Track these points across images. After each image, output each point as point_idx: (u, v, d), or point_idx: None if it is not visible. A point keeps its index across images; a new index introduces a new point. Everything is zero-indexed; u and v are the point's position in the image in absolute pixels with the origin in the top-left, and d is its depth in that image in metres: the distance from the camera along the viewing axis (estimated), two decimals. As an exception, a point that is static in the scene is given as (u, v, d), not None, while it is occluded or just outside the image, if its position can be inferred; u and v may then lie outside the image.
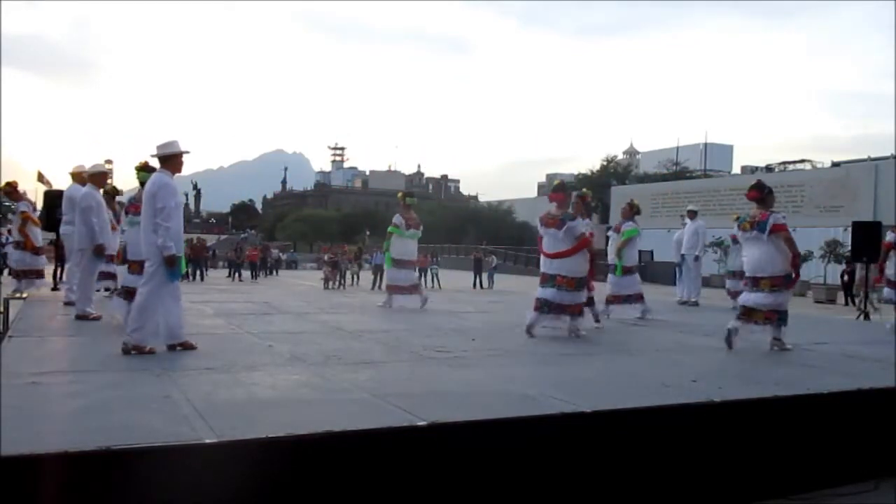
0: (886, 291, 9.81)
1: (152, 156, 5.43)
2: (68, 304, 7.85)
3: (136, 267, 6.87)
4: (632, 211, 9.27)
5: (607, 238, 9.81)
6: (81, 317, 7.00)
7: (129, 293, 6.91)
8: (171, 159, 5.37)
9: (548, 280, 6.90)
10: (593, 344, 6.65)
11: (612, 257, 9.24)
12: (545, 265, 6.99)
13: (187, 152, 5.44)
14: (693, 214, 12.59)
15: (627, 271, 9.06)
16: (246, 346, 5.56)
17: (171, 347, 5.30)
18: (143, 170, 7.14)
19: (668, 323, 8.65)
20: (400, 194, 10.55)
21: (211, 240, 45.63)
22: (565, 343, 6.65)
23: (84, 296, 7.14)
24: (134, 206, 7.07)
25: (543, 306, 6.86)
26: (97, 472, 2.65)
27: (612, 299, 9.01)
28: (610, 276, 9.14)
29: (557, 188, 7.31)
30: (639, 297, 9.09)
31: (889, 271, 9.62)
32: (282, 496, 2.90)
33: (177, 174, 5.40)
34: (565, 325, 6.96)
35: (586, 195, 7.68)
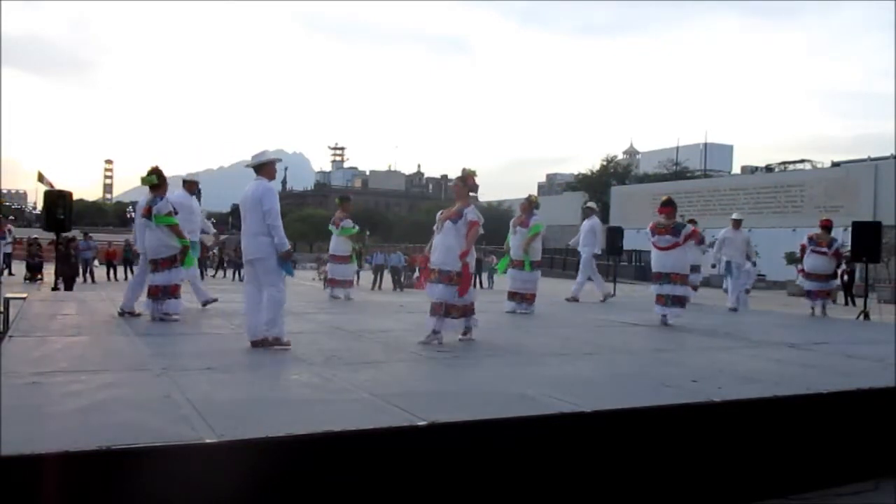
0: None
1: (247, 166, 5.73)
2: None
3: (165, 265, 7.14)
4: (531, 206, 9.28)
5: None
6: (129, 313, 7.24)
7: (153, 291, 7.03)
8: (265, 167, 5.69)
9: (663, 277, 8.23)
10: (594, 344, 6.66)
11: (516, 253, 9.14)
12: (659, 266, 8.28)
13: (279, 160, 5.81)
14: (590, 212, 12.48)
15: (537, 266, 9.16)
16: (246, 346, 5.56)
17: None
18: (152, 174, 7.19)
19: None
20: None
21: (211, 240, 45.51)
22: (565, 343, 6.66)
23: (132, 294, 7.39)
24: (145, 209, 7.12)
25: (667, 299, 8.17)
26: (97, 472, 2.65)
27: (513, 295, 9.11)
28: (512, 271, 9.16)
29: (666, 203, 8.42)
30: (531, 298, 9.15)
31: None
32: (282, 496, 2.90)
33: (272, 180, 5.71)
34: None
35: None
